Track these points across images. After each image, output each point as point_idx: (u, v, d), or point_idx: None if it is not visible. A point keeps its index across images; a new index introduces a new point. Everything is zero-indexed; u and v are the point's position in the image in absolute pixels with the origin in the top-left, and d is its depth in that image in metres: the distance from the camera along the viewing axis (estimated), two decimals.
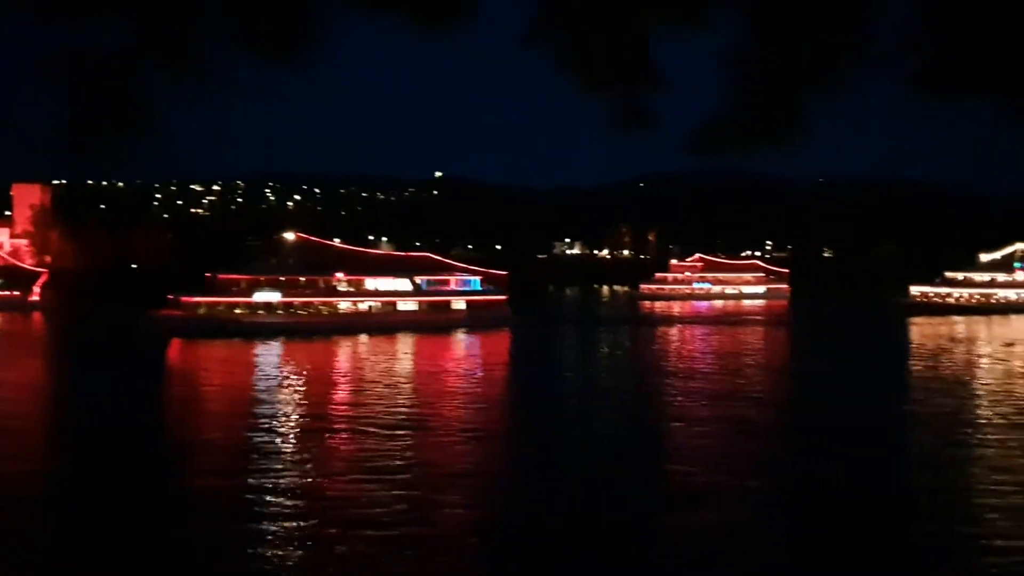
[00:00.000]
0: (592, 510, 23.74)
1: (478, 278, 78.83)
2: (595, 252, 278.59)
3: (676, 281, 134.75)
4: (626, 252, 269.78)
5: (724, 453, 31.07)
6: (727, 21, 3.53)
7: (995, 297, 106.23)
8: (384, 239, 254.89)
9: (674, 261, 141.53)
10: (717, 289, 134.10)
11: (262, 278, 74.07)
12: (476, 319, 74.45)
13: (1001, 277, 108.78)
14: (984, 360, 62.18)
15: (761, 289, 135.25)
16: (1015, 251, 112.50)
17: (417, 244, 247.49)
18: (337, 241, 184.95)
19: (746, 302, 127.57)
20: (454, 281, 78.26)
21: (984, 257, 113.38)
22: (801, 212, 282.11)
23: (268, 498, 24.64)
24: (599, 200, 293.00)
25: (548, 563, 20.37)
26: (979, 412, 40.62)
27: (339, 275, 74.86)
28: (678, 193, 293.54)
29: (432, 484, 25.89)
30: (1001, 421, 37.71)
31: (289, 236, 77.33)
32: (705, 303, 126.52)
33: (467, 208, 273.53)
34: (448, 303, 76.46)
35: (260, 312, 73.14)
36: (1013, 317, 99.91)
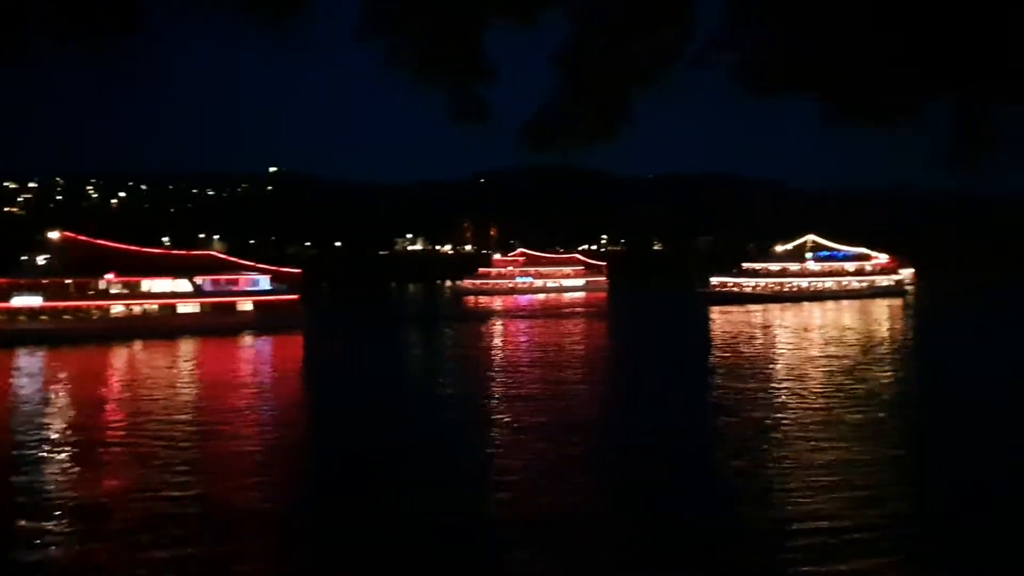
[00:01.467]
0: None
1: (267, 277, 74.42)
2: (437, 248, 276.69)
3: (499, 276, 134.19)
4: (468, 247, 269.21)
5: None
6: (558, 20, 3.57)
7: (788, 285, 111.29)
8: (216, 237, 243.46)
9: (497, 256, 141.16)
10: (539, 283, 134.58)
11: (21, 281, 67.05)
12: (265, 321, 70.27)
13: (793, 266, 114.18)
14: (781, 345, 64.33)
15: (581, 282, 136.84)
16: (806, 242, 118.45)
17: (252, 242, 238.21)
18: (166, 240, 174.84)
19: (566, 295, 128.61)
20: (242, 281, 73.60)
21: (779, 248, 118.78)
22: (633, 207, 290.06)
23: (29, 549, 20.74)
24: (441, 196, 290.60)
25: None
26: (780, 395, 41.84)
27: (110, 276, 68.77)
28: (518, 189, 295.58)
29: (216, 530, 22.22)
30: (799, 403, 39.01)
31: (54, 235, 70.40)
32: (527, 297, 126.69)
33: (305, 204, 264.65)
34: (233, 304, 71.75)
35: (21, 318, 66.26)
36: (804, 304, 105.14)
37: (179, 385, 47.07)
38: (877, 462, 28.51)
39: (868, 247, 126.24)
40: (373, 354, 63.00)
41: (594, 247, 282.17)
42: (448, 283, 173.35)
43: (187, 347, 63.44)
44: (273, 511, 23.96)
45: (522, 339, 72.43)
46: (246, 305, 71.88)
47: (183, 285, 70.41)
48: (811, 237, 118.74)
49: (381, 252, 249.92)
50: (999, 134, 3.88)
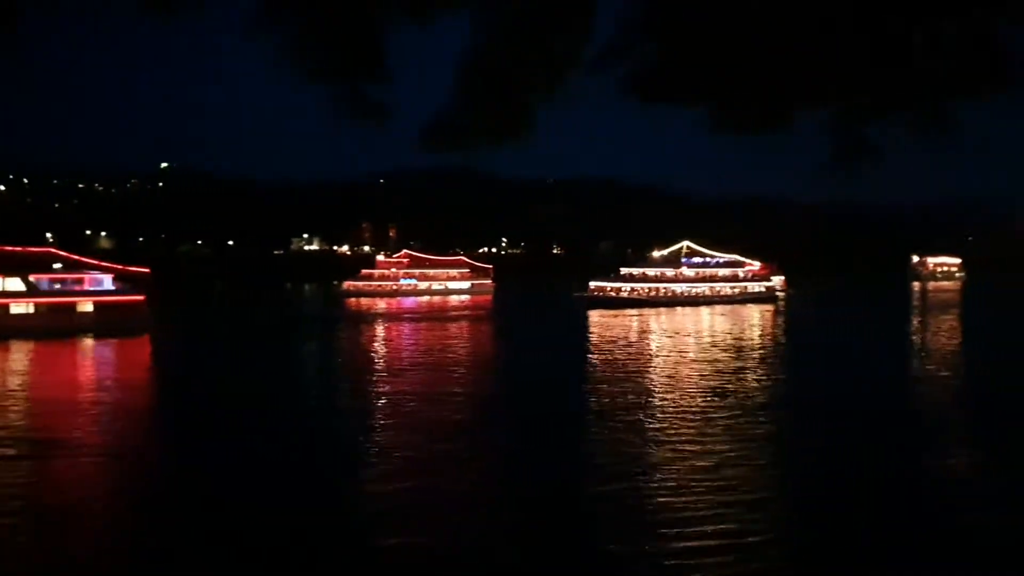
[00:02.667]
0: None
1: (111, 276, 69.95)
2: (335, 248, 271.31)
3: (382, 277, 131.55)
4: (367, 248, 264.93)
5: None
6: (457, 22, 3.57)
7: (663, 290, 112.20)
8: (103, 234, 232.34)
9: (380, 257, 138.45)
10: (424, 285, 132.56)
11: None
12: (107, 323, 65.93)
13: (669, 272, 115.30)
14: (655, 350, 64.07)
15: (466, 284, 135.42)
16: (682, 247, 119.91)
17: (140, 239, 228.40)
18: (49, 237, 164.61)
19: (451, 297, 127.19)
20: (87, 280, 68.97)
21: (656, 253, 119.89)
22: (534, 210, 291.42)
23: None
24: (339, 195, 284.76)
25: None
26: (656, 398, 41.42)
27: None
28: (419, 189, 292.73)
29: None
30: (675, 407, 38.86)
31: None
32: (411, 299, 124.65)
33: (197, 201, 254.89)
34: (72, 305, 67.12)
35: None
36: (679, 309, 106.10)
37: (9, 395, 42.59)
38: (763, 467, 28.55)
39: (747, 254, 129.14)
40: (234, 359, 59.37)
41: (494, 250, 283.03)
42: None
43: (20, 351, 58.87)
44: (116, 548, 21.24)
45: (402, 342, 70.49)
46: (86, 306, 67.36)
47: (16, 284, 65.53)
48: (687, 243, 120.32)
49: (276, 251, 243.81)
50: (873, 147, 4.03)
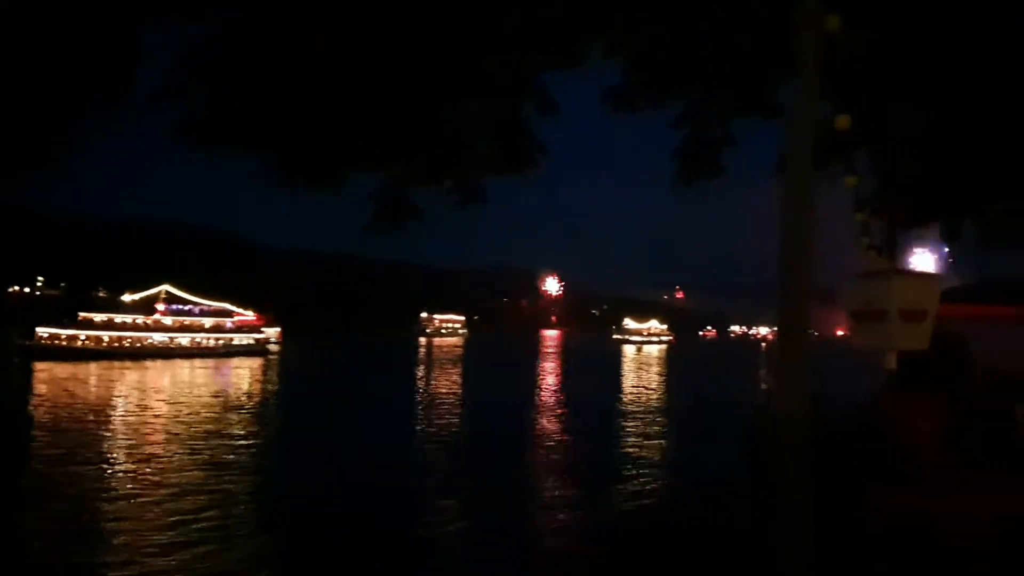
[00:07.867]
0: None
1: None
2: None
3: None
4: None
5: None
6: None
7: (131, 339, 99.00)
8: None
9: None
10: None
11: None
12: None
13: (142, 319, 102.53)
14: (112, 409, 51.91)
15: None
16: (160, 292, 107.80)
17: None
18: None
19: None
20: None
21: (127, 298, 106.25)
22: (79, 249, 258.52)
23: None
24: None
25: None
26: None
27: None
28: None
29: None
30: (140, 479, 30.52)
31: None
32: None
33: None
34: None
35: None
36: (150, 362, 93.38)
37: None
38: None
39: (250, 305, 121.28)
40: None
41: (28, 289, 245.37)
42: None
43: None
44: None
45: None
46: None
47: None
48: (166, 287, 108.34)
49: None
50: (417, 210, 3.93)
